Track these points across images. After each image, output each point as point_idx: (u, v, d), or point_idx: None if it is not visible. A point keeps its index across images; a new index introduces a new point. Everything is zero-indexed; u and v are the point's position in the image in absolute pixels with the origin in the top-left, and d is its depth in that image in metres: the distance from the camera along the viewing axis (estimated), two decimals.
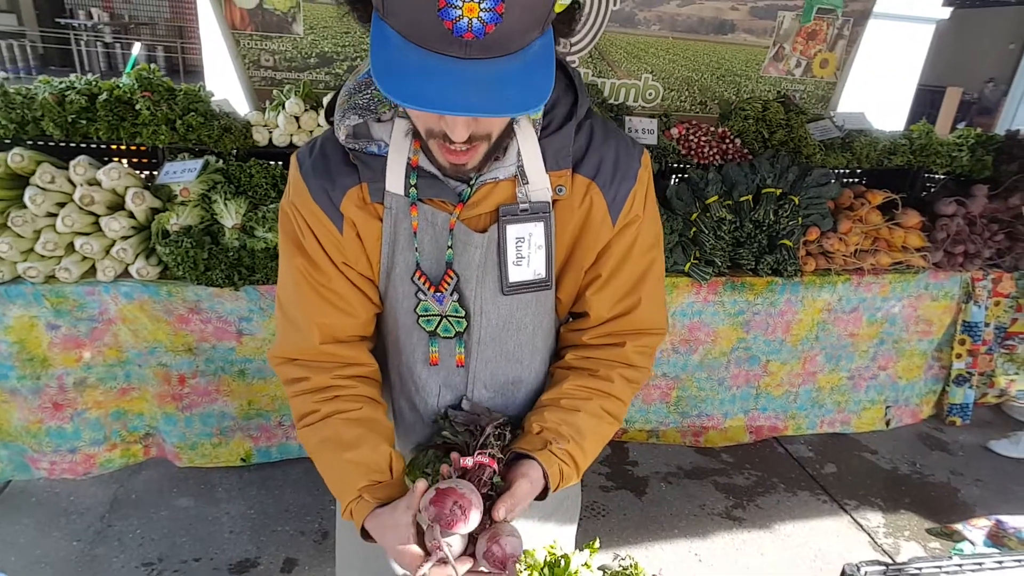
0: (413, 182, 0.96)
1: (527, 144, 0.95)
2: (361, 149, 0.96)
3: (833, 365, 3.19)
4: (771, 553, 2.58)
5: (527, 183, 0.96)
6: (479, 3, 0.67)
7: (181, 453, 2.59)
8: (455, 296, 1.02)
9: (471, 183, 0.97)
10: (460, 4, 0.67)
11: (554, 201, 0.99)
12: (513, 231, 0.98)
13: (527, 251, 0.99)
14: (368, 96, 0.94)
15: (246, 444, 2.67)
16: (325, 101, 1.14)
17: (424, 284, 1.01)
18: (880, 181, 3.31)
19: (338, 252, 1.00)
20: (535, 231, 0.99)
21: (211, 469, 2.73)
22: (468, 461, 0.93)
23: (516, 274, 1.01)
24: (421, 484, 0.91)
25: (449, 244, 0.99)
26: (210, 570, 2.28)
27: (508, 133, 0.92)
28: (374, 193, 0.97)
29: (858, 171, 3.41)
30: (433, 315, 1.04)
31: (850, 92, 3.93)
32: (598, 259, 1.04)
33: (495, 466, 0.95)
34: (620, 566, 1.13)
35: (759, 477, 3.02)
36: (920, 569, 0.94)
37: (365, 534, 0.97)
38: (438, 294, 1.02)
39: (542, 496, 1.00)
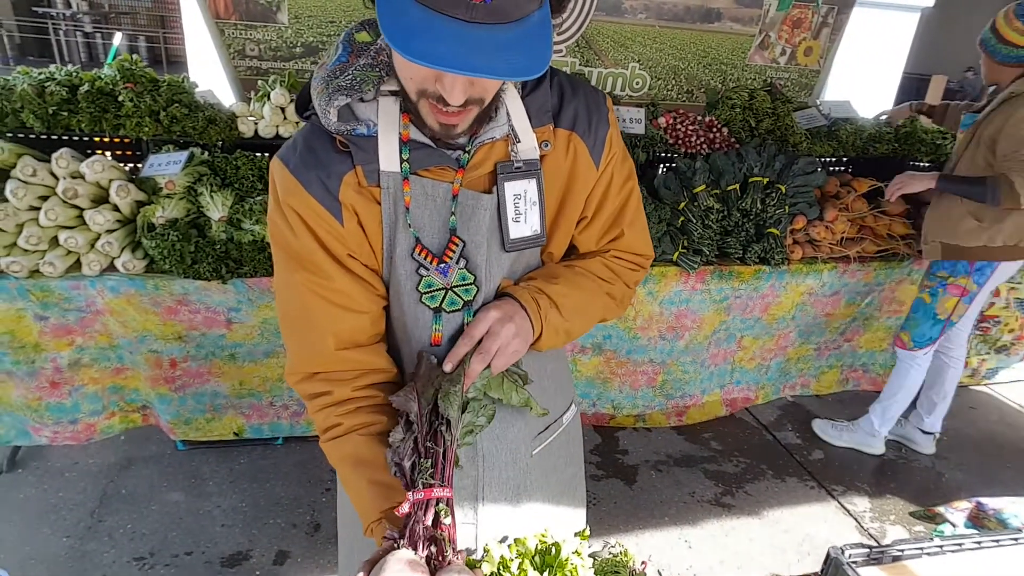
0: (406, 156, 0.96)
1: (514, 104, 0.99)
2: (350, 131, 0.95)
3: (804, 340, 3.26)
4: (759, 539, 2.61)
5: (519, 141, 1.00)
6: None
7: (176, 428, 2.60)
8: (461, 263, 1.02)
9: (467, 149, 0.98)
10: None
11: (541, 157, 1.02)
12: (511, 188, 1.00)
13: (524, 207, 1.02)
14: (350, 77, 0.93)
15: (238, 420, 2.67)
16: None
17: (425, 258, 1.00)
18: (866, 169, 3.34)
19: (339, 245, 0.99)
20: (529, 188, 1.02)
21: (202, 463, 2.73)
22: (404, 507, 0.88)
23: (516, 231, 1.03)
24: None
25: (453, 211, 0.99)
26: (202, 563, 2.28)
27: (497, 96, 0.94)
28: (369, 175, 0.96)
29: (844, 159, 3.44)
30: (437, 289, 1.02)
31: (836, 80, 3.96)
32: (586, 201, 1.09)
33: (433, 495, 0.88)
34: (610, 553, 1.14)
35: (748, 464, 3.05)
36: (903, 551, 0.97)
37: None
38: (442, 265, 1.01)
39: (535, 341, 1.03)
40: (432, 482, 0.89)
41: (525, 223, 1.03)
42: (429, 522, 0.86)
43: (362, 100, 0.96)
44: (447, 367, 0.98)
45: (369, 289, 1.03)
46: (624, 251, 1.17)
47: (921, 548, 1.01)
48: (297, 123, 2.64)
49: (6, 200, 2.15)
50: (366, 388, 1.04)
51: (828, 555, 0.93)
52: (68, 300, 2.25)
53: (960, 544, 1.05)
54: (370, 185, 0.97)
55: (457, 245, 1.00)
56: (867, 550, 0.92)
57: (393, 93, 0.95)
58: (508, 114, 0.98)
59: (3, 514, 2.41)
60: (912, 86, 9.42)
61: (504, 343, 0.99)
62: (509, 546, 1.07)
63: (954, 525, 2.47)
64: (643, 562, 1.13)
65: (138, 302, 2.29)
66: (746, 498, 2.83)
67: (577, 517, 1.34)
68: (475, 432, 0.99)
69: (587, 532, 1.15)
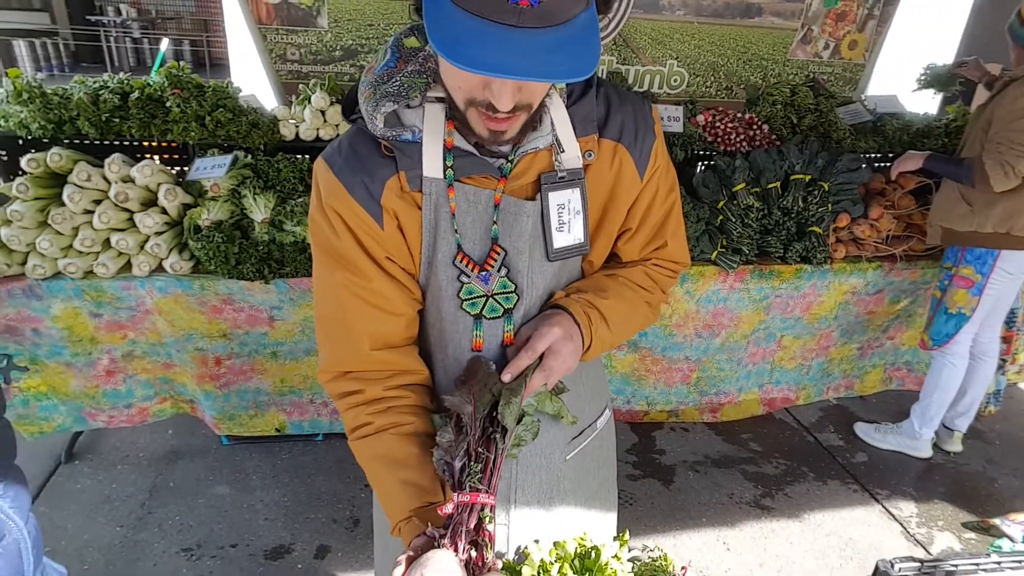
0: (449, 163, 0.96)
1: (558, 113, 0.99)
2: (395, 137, 0.96)
3: (846, 339, 3.18)
4: (800, 542, 2.57)
5: (563, 151, 1.00)
6: None
7: (220, 423, 2.68)
8: (503, 272, 1.02)
9: (510, 158, 0.98)
10: None
11: (585, 167, 1.02)
12: (555, 198, 1.00)
13: (567, 217, 1.02)
14: (397, 84, 0.94)
15: (280, 416, 2.74)
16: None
17: (467, 266, 1.01)
18: None
19: (379, 248, 1.00)
20: (573, 197, 1.02)
21: (246, 458, 2.80)
22: (448, 507, 0.89)
23: (560, 240, 1.03)
24: (397, 570, 0.88)
25: (495, 220, 1.00)
26: (246, 556, 2.35)
27: (543, 103, 0.94)
28: (412, 180, 0.96)
29: (890, 155, 3.33)
30: (478, 296, 1.03)
31: (882, 73, 3.84)
32: (628, 213, 1.09)
33: (479, 500, 0.90)
34: (649, 557, 1.14)
35: (788, 466, 2.99)
36: (956, 566, 0.92)
37: None
38: (483, 273, 1.01)
39: (583, 352, 1.04)
40: (479, 487, 0.90)
41: (569, 232, 1.03)
42: (472, 526, 0.87)
43: (408, 106, 0.97)
44: (506, 377, 0.97)
45: (406, 292, 1.04)
46: (664, 259, 1.17)
47: (977, 564, 0.95)
48: (337, 126, 2.69)
49: (63, 204, 2.24)
50: (397, 388, 1.05)
51: (877, 568, 0.89)
52: (120, 300, 2.33)
53: (1020, 561, 1.00)
54: (412, 190, 0.97)
55: (499, 254, 1.01)
56: (918, 564, 0.88)
57: (439, 99, 0.95)
58: (552, 123, 0.98)
59: (63, 503, 2.52)
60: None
61: (562, 362, 1.00)
62: (549, 550, 1.07)
63: (1012, 540, 2.38)
64: (683, 567, 1.13)
65: (185, 302, 2.37)
66: (786, 500, 2.78)
67: (608, 521, 1.34)
68: (521, 446, 1.00)
69: (627, 537, 1.14)
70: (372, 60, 1.00)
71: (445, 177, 0.97)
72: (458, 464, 0.92)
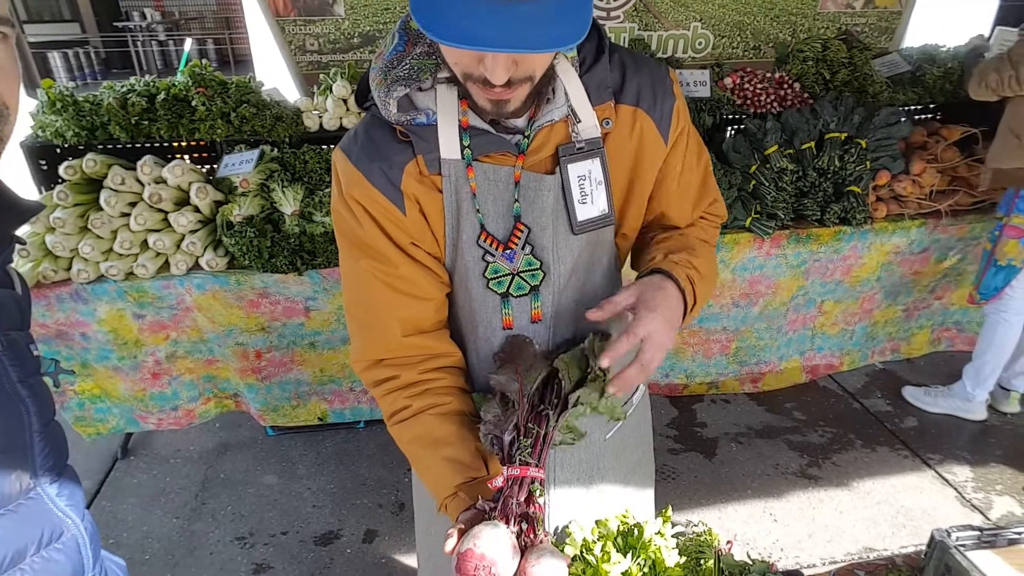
0: (466, 143, 0.95)
1: (571, 83, 0.96)
2: (410, 121, 0.94)
3: (891, 301, 3.07)
4: (850, 511, 2.51)
5: (579, 121, 0.97)
6: None
7: (264, 415, 2.74)
8: (527, 249, 1.01)
9: (526, 133, 0.96)
10: None
11: (604, 136, 1.00)
12: (574, 170, 0.99)
13: (589, 188, 1.00)
14: (407, 67, 0.93)
15: (322, 406, 2.79)
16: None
17: (491, 244, 1.00)
18: (957, 115, 3.08)
19: (403, 234, 0.99)
20: (593, 168, 1.00)
21: (291, 447, 2.87)
22: (498, 480, 0.88)
23: (583, 212, 1.01)
24: (449, 542, 0.87)
25: (516, 197, 0.98)
26: (297, 542, 2.41)
27: (550, 74, 0.92)
28: (431, 164, 0.96)
29: (931, 106, 3.18)
30: (504, 275, 1.02)
31: (920, 19, 3.65)
32: (661, 179, 1.07)
33: (529, 474, 0.89)
34: (694, 532, 1.12)
35: (834, 433, 2.93)
36: (1021, 534, 0.87)
37: None
38: (508, 251, 1.00)
39: (682, 312, 0.99)
40: (529, 461, 0.89)
41: (592, 204, 1.01)
42: (522, 499, 0.87)
43: (420, 89, 0.95)
44: (604, 363, 0.91)
45: (433, 276, 1.04)
46: (711, 214, 1.17)
47: None
48: (360, 113, 2.69)
49: (101, 209, 2.30)
50: (432, 371, 1.05)
51: (932, 538, 0.86)
52: (161, 299, 2.39)
53: None
54: (431, 174, 0.97)
55: (522, 232, 0.99)
56: (977, 532, 0.84)
57: (449, 80, 0.94)
58: (566, 94, 0.96)
59: (122, 497, 2.63)
60: (1012, 15, 8.57)
61: (659, 352, 0.92)
62: (592, 528, 1.07)
63: None
64: (728, 541, 1.11)
65: (223, 297, 2.41)
66: (834, 469, 2.73)
67: (646, 496, 1.33)
68: (574, 437, 0.99)
69: (669, 512, 1.13)
70: (381, 46, 0.98)
71: (463, 157, 0.95)
72: (507, 438, 0.92)
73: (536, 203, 0.99)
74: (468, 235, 1.00)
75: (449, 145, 0.95)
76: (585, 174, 0.99)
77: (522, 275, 1.02)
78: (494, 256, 1.00)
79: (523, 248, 1.00)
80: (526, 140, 0.96)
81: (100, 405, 2.59)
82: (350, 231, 1.01)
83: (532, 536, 0.86)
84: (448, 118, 0.94)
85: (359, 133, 1.00)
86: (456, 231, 1.01)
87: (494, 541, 0.82)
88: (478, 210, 0.98)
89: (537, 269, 1.02)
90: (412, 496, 1.42)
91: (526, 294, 1.04)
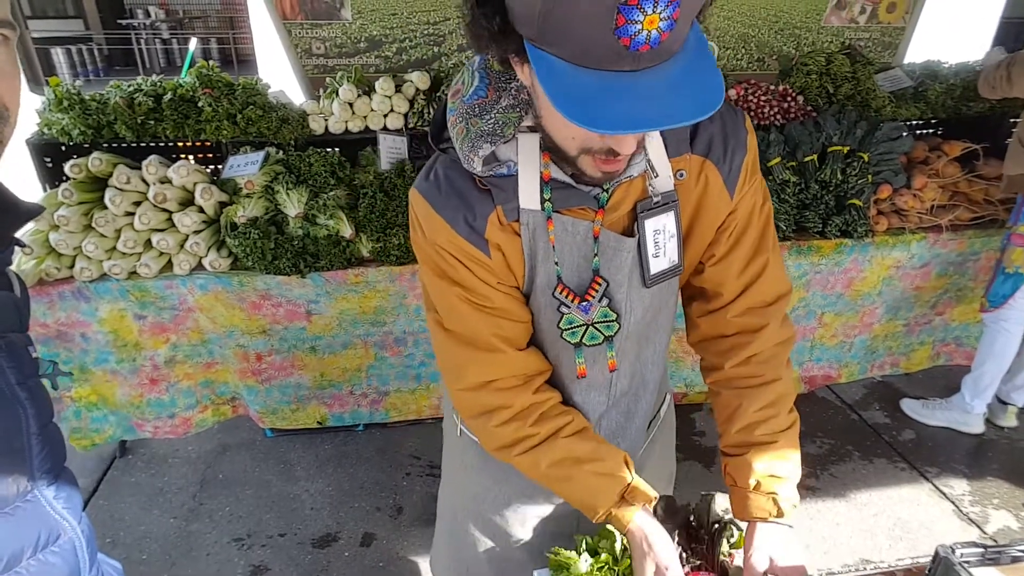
0: (547, 196, 0.94)
1: (653, 138, 0.95)
2: (491, 173, 0.94)
3: (892, 316, 3.08)
4: (846, 522, 2.52)
5: (656, 175, 0.97)
6: (659, 13, 0.65)
7: (264, 417, 2.74)
8: (604, 301, 1.01)
9: (606, 187, 0.95)
10: (641, 19, 0.65)
11: (676, 187, 1.00)
12: (651, 225, 0.98)
13: (663, 241, 1.00)
14: (492, 121, 0.91)
15: (321, 410, 2.79)
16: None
17: (567, 297, 1.00)
18: (959, 131, 3.10)
19: (490, 275, 1.00)
20: (668, 221, 1.00)
21: (289, 449, 2.87)
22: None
23: (656, 265, 1.01)
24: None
25: (595, 252, 0.98)
26: (295, 544, 2.41)
27: None
28: (509, 213, 0.96)
29: (933, 121, 3.21)
30: (578, 326, 1.03)
31: (923, 36, 3.68)
32: (719, 233, 1.05)
33: None
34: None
35: (832, 445, 2.94)
36: None
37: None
38: (584, 303, 1.01)
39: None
40: None
41: (664, 256, 1.01)
42: None
43: (503, 141, 0.94)
44: None
45: (523, 303, 1.05)
46: (774, 298, 1.10)
47: None
48: (365, 117, 2.70)
49: (105, 207, 2.30)
50: (539, 392, 1.06)
51: (937, 554, 0.86)
52: (163, 299, 2.39)
53: None
54: (510, 222, 0.97)
55: (600, 285, 1.00)
56: (982, 549, 0.85)
57: (531, 129, 0.93)
58: (644, 148, 0.95)
59: (120, 496, 2.62)
60: (1011, 32, 8.61)
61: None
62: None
63: None
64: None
65: (225, 298, 2.42)
66: (831, 480, 2.73)
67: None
68: None
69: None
70: (457, 82, 0.97)
71: (543, 209, 0.95)
72: None
73: (615, 261, 0.99)
74: (542, 281, 1.01)
75: (529, 196, 0.95)
76: (660, 228, 0.99)
77: (596, 326, 1.03)
78: (569, 308, 1.01)
79: (600, 300, 1.01)
80: (605, 194, 0.96)
81: (96, 413, 2.57)
82: (438, 268, 1.01)
83: None
84: (530, 169, 0.94)
85: (440, 177, 0.98)
86: (531, 275, 1.02)
87: None
88: (556, 262, 0.99)
89: (613, 321, 1.03)
90: (413, 500, 1.44)
91: (599, 343, 1.06)
